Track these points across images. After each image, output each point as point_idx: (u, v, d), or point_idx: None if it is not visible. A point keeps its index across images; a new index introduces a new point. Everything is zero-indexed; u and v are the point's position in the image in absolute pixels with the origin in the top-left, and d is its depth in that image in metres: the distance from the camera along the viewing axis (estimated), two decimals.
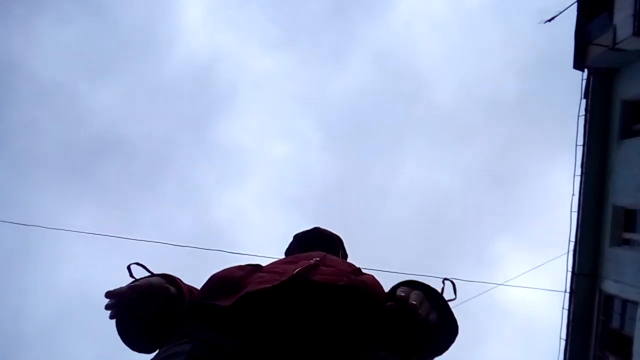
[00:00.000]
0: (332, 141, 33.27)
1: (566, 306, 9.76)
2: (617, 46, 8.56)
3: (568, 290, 9.73)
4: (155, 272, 1.24)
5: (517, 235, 32.44)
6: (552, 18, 9.45)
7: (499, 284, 10.75)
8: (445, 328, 1.20)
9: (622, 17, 8.43)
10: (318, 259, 1.34)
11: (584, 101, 9.89)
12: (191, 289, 1.28)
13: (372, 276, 1.35)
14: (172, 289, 1.18)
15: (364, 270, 1.39)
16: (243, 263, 1.36)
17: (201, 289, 1.26)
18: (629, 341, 8.50)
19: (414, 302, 1.10)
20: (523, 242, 32.80)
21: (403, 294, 1.13)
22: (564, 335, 9.78)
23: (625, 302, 8.81)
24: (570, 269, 9.73)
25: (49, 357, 28.36)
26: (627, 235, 9.13)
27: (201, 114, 34.86)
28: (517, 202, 31.54)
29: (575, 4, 9.41)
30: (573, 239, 9.72)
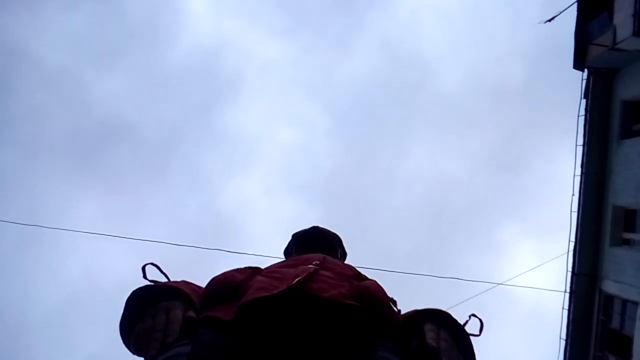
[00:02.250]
0: (339, 128, 33.33)
1: (566, 306, 9.77)
2: (617, 46, 8.56)
3: (568, 290, 9.73)
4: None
5: (523, 221, 32.50)
6: (552, 18, 9.46)
7: (499, 284, 10.76)
8: None
9: (622, 17, 8.43)
10: (318, 262, 1.35)
11: (584, 101, 9.90)
12: (198, 291, 1.28)
13: (375, 281, 1.33)
14: (192, 314, 1.15)
15: (363, 267, 1.38)
16: (244, 261, 1.36)
17: (202, 293, 1.26)
18: (629, 341, 8.49)
19: None
20: (529, 228, 32.89)
21: (434, 344, 1.11)
22: (564, 335, 9.79)
23: (625, 302, 8.81)
24: (570, 269, 9.75)
25: (56, 345, 28.62)
26: (627, 235, 9.13)
27: (208, 101, 34.97)
28: (523, 188, 31.67)
29: (575, 4, 9.42)
30: (573, 239, 9.73)
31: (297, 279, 1.18)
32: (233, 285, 1.22)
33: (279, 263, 1.45)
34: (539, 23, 9.82)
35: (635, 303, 8.41)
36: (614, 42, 8.58)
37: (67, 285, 31.33)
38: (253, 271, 1.31)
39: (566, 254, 9.75)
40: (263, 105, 34.80)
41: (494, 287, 10.63)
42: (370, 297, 1.21)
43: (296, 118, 35.19)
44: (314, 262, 1.34)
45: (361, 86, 32.95)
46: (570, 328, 9.68)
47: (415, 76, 33.70)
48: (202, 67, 33.94)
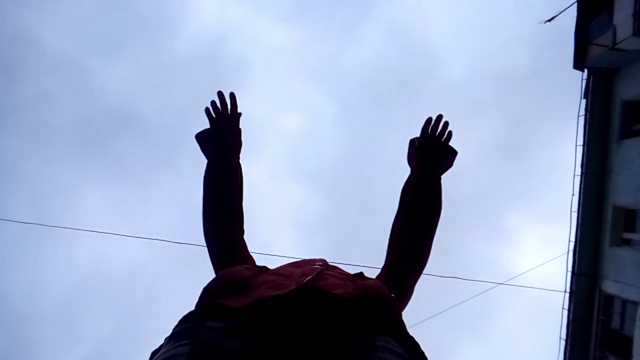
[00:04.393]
0: (345, 115, 33.12)
1: (566, 306, 9.77)
2: (617, 46, 8.57)
3: (568, 290, 9.74)
4: None
5: (529, 208, 32.37)
6: (552, 18, 9.47)
7: (499, 283, 10.76)
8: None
9: (622, 17, 8.44)
10: (321, 263, 1.38)
11: (584, 101, 9.91)
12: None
13: (377, 280, 1.36)
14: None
15: (360, 266, 1.41)
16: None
17: (209, 284, 1.28)
18: (629, 341, 8.50)
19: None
20: (535, 215, 32.81)
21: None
22: (564, 335, 9.80)
23: (625, 302, 8.82)
24: (570, 269, 9.76)
25: (65, 333, 28.79)
26: (627, 235, 9.14)
27: (214, 89, 34.76)
28: (529, 174, 31.59)
29: (575, 4, 9.42)
30: (573, 239, 9.74)
31: (307, 277, 1.20)
32: (241, 280, 1.23)
33: (284, 264, 1.47)
34: (539, 23, 9.83)
35: (635, 303, 8.41)
36: (614, 42, 8.58)
37: (75, 273, 31.51)
38: (260, 269, 1.34)
39: (566, 254, 9.77)
40: (269, 92, 34.62)
41: (495, 286, 10.64)
42: (375, 295, 1.22)
43: (302, 105, 35.06)
44: (317, 264, 1.36)
45: (368, 73, 32.83)
46: (570, 328, 9.68)
47: (422, 63, 33.53)
48: (208, 54, 33.84)
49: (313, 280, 1.20)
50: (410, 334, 1.21)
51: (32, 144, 30.94)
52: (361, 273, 1.42)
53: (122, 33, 32.38)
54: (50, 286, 30.68)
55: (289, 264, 1.46)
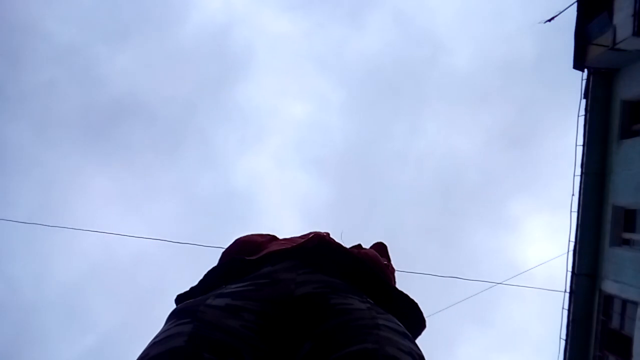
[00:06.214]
0: (352, 102, 33.11)
1: (566, 306, 9.78)
2: (617, 46, 8.57)
3: (568, 290, 9.74)
4: None
5: (534, 196, 32.44)
6: (552, 18, 9.47)
7: (497, 283, 10.77)
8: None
9: (622, 17, 8.44)
10: (326, 234, 1.47)
11: (584, 101, 9.91)
12: None
13: (372, 250, 1.47)
14: None
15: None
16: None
17: (227, 249, 1.42)
18: (629, 341, 8.50)
19: None
20: (540, 204, 32.87)
21: None
22: (564, 335, 9.80)
23: (625, 302, 8.82)
24: (570, 269, 9.76)
25: (73, 322, 28.95)
26: (627, 235, 9.14)
27: (219, 77, 34.94)
28: (535, 163, 31.70)
29: (575, 4, 9.43)
30: (573, 239, 9.74)
31: (315, 234, 1.35)
32: (255, 244, 1.39)
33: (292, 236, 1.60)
34: (539, 23, 9.84)
35: (635, 303, 8.41)
36: (614, 42, 8.59)
37: (81, 263, 31.64)
38: (272, 237, 1.48)
39: (566, 254, 9.77)
40: (275, 80, 34.68)
41: (493, 286, 10.64)
42: (372, 263, 1.34)
43: (308, 93, 35.07)
44: (323, 233, 1.48)
45: (374, 61, 32.80)
46: (570, 328, 9.69)
47: (428, 52, 33.51)
48: (214, 43, 33.82)
49: (321, 237, 1.33)
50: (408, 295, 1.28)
51: (37, 132, 31.07)
52: (359, 244, 1.51)
53: (127, 22, 32.43)
54: (56, 276, 30.93)
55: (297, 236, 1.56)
